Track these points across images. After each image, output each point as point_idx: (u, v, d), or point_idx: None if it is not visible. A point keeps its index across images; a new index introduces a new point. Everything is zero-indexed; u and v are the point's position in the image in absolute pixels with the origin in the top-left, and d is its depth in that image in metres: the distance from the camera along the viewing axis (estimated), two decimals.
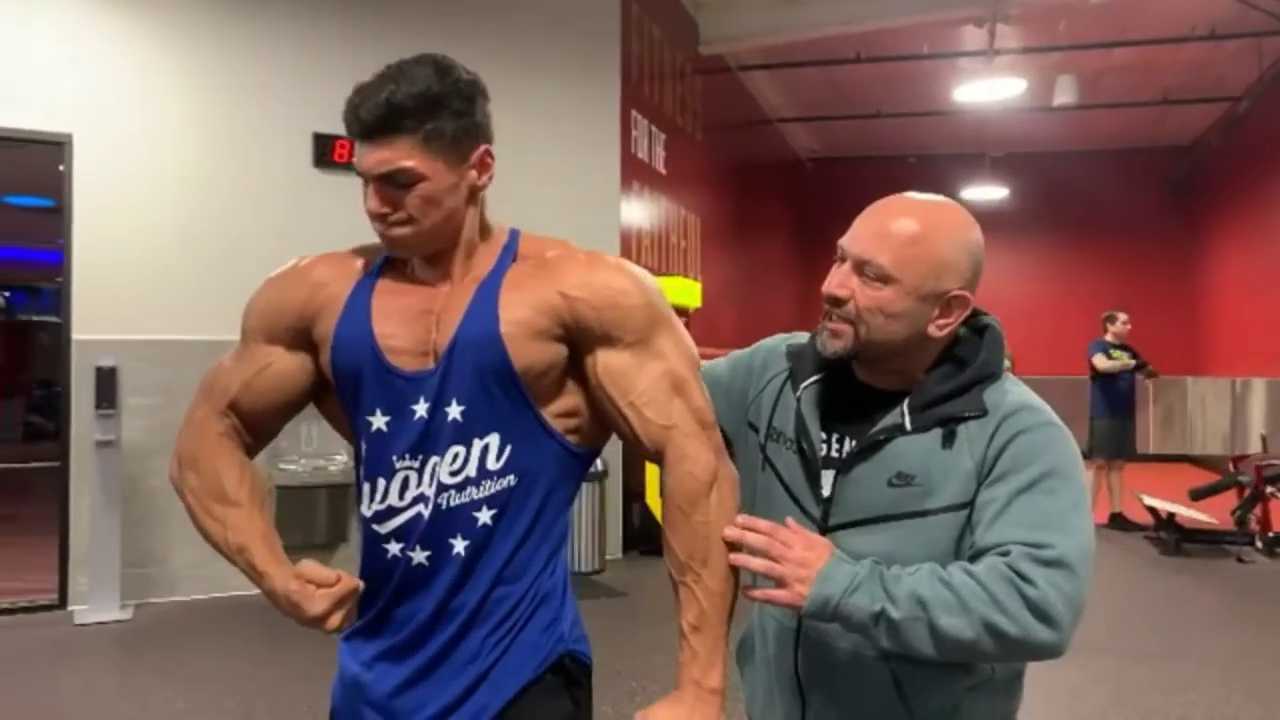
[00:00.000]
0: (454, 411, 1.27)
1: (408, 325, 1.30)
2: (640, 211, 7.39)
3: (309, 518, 5.50)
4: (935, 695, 1.30)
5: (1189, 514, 7.11)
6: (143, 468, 5.29)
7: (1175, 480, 8.25)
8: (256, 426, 1.41)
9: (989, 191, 12.82)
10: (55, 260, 5.38)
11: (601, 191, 6.68)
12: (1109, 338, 7.96)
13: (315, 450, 5.67)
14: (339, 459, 5.63)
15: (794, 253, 13.55)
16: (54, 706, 3.86)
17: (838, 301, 1.30)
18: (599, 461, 4.47)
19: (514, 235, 1.38)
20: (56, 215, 5.37)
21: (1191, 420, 10.72)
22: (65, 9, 5.21)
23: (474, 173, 1.30)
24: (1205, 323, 12.55)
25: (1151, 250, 13.08)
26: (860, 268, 1.29)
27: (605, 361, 1.30)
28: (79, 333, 5.19)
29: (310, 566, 1.26)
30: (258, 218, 5.66)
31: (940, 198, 1.34)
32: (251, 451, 1.42)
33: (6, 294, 14.76)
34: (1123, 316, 7.99)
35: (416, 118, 1.23)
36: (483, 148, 1.30)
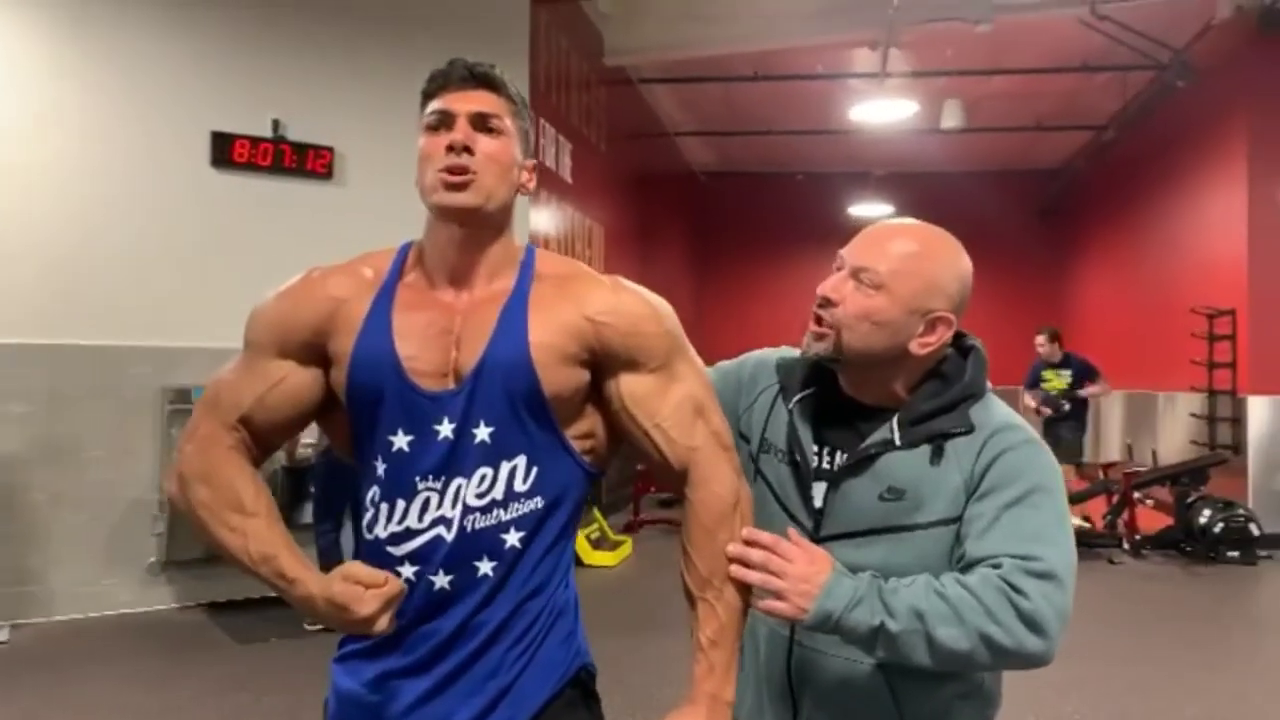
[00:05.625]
0: (482, 433, 1.27)
1: (428, 345, 1.29)
2: (547, 220, 7.37)
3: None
4: (926, 702, 1.36)
5: None
6: (22, 479, 4.98)
7: None
8: (265, 441, 1.37)
9: (874, 209, 13.27)
10: None
11: None
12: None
13: None
14: None
15: (689, 265, 13.73)
16: None
17: (828, 303, 1.36)
18: None
19: (530, 252, 1.39)
20: None
21: None
22: None
23: (525, 173, 1.35)
24: (1069, 337, 13.26)
25: (1023, 268, 13.75)
26: (857, 274, 1.35)
27: (630, 386, 1.33)
28: None
29: (358, 567, 1.23)
30: (150, 219, 5.43)
31: (936, 227, 1.42)
32: (256, 464, 1.37)
33: None
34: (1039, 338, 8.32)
35: (512, 93, 1.35)
36: (533, 160, 1.37)
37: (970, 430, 1.33)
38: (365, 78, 5.90)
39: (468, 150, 1.27)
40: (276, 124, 5.69)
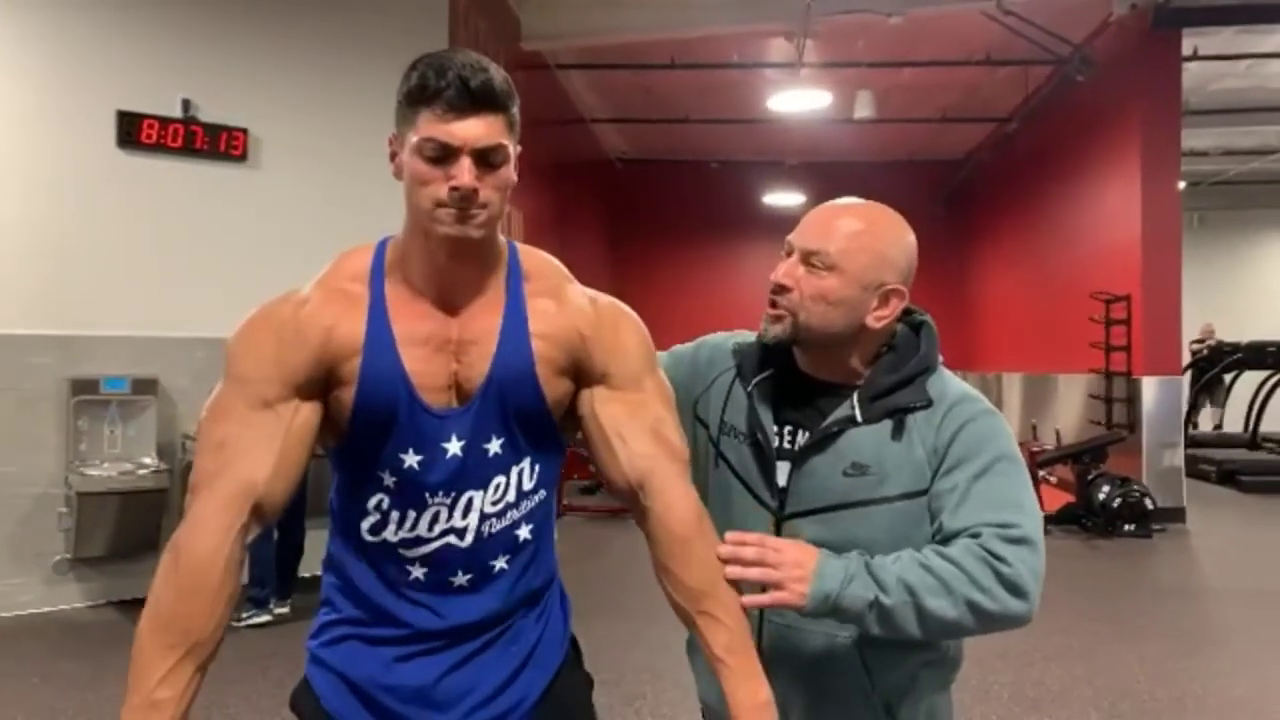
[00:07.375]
0: (494, 446, 1.30)
1: (431, 359, 1.26)
2: None
3: (114, 526, 5.06)
4: (896, 671, 1.41)
5: None
6: None
7: None
8: (283, 496, 1.26)
9: (788, 197, 13.48)
10: None
11: None
12: None
13: (120, 454, 5.25)
14: (147, 462, 5.23)
15: (606, 251, 13.74)
16: None
17: (782, 289, 1.39)
18: None
19: (513, 249, 1.36)
20: None
21: None
22: None
23: (513, 171, 1.27)
24: (972, 323, 13.74)
25: (928, 256, 13.99)
26: (807, 258, 1.39)
27: (601, 397, 1.34)
28: None
29: None
30: (51, 201, 5.19)
31: (877, 203, 1.45)
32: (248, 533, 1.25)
33: None
34: None
35: (508, 101, 1.22)
36: (519, 147, 1.29)
37: (929, 404, 1.38)
38: (281, 58, 5.72)
39: (480, 184, 1.21)
40: (187, 104, 5.48)
